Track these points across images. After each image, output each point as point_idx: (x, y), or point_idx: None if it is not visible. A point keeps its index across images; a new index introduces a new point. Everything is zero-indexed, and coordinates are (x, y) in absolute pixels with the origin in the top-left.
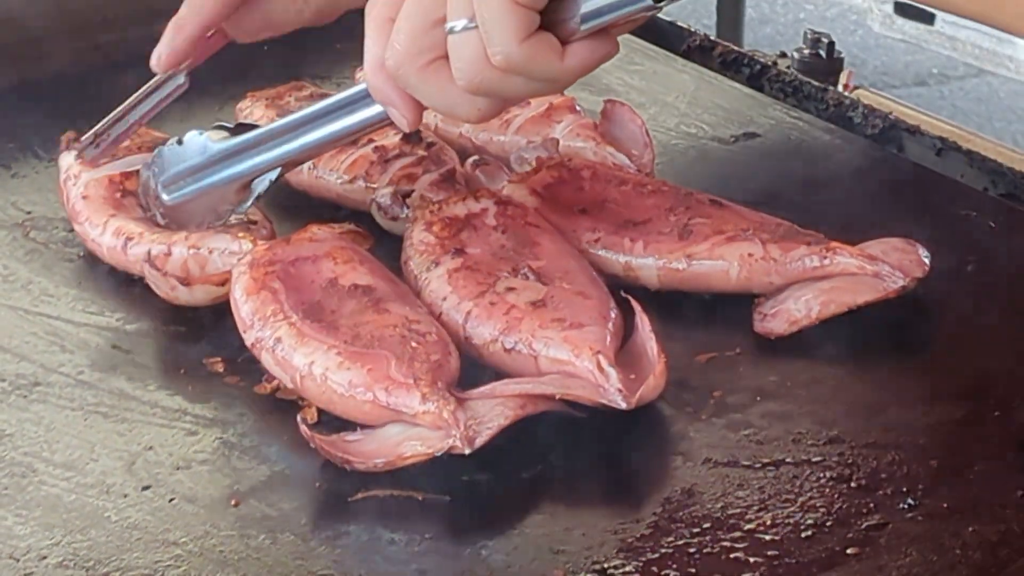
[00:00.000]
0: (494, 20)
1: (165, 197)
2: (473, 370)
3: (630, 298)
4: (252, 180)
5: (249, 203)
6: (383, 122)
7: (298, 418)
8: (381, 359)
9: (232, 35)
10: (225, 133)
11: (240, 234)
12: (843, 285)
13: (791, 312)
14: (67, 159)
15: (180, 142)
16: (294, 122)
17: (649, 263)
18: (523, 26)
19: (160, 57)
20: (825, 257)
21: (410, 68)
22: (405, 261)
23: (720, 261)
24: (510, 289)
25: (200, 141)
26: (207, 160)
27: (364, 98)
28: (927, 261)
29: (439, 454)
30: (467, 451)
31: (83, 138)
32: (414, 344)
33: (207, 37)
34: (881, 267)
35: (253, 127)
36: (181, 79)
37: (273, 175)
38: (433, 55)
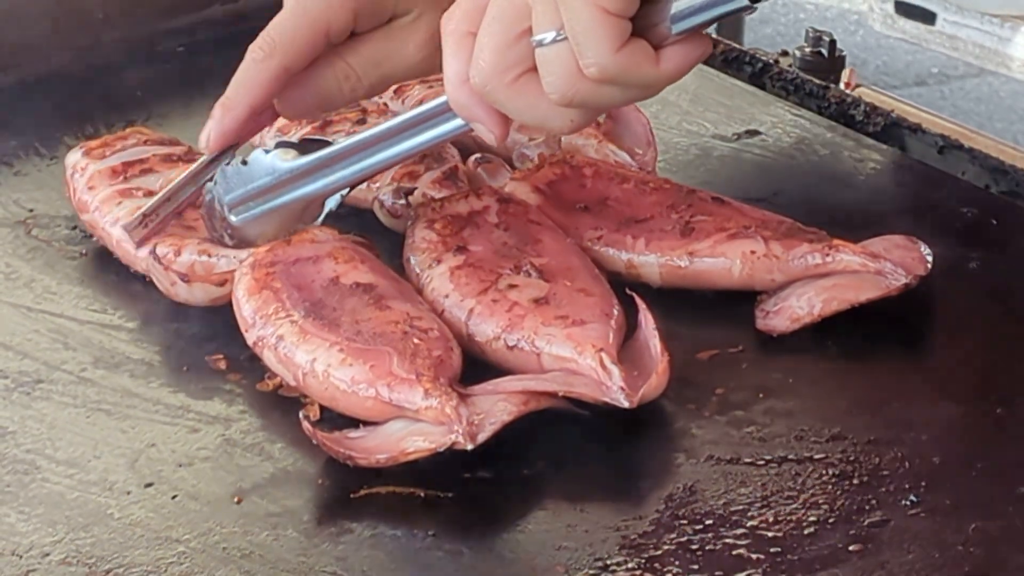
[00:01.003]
0: (586, 31)
1: (233, 218)
2: (476, 367)
3: (635, 295)
4: (325, 198)
5: (320, 219)
6: (463, 135)
7: (300, 415)
8: (383, 355)
9: (282, 113)
10: (292, 151)
11: None
12: (845, 282)
13: (793, 309)
14: (72, 157)
15: (244, 162)
16: (370, 138)
17: (651, 260)
18: (616, 35)
19: (208, 139)
20: (827, 254)
21: (498, 84)
22: (407, 259)
23: (722, 259)
24: (512, 286)
25: (267, 161)
26: (276, 180)
27: (444, 112)
28: (929, 258)
29: (441, 449)
30: (469, 447)
31: (131, 219)
32: (416, 340)
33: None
34: (883, 265)
35: (321, 143)
36: (229, 156)
37: (346, 191)
38: (520, 69)
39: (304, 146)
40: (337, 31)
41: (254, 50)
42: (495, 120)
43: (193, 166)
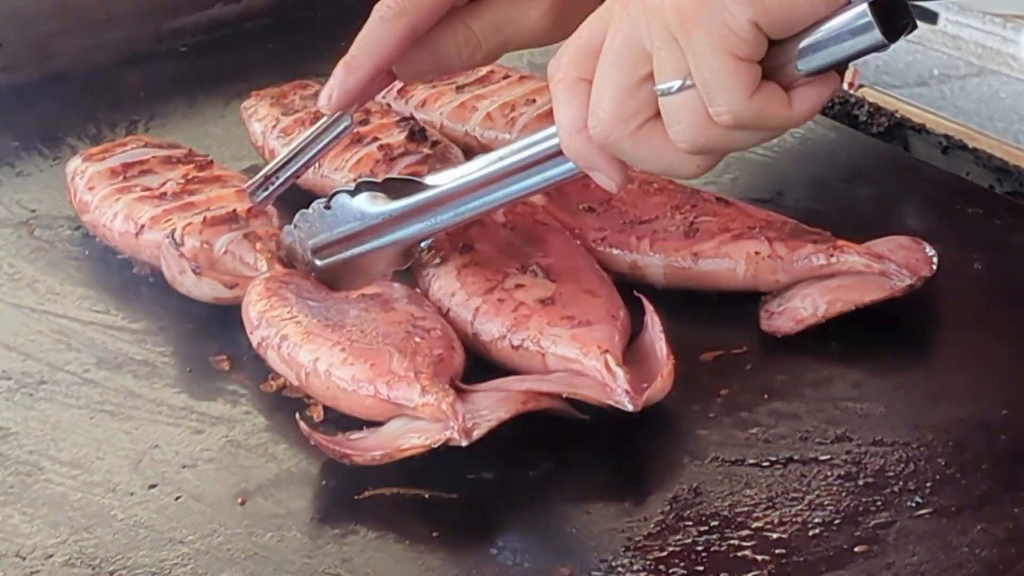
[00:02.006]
0: (717, 79)
1: (317, 263)
2: (482, 367)
3: (642, 296)
4: (417, 243)
5: (410, 262)
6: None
7: (296, 416)
8: (384, 354)
9: (399, 76)
10: (381, 195)
11: (258, 246)
12: (850, 283)
13: (797, 310)
14: (72, 163)
15: (328, 207)
16: (471, 183)
17: (655, 261)
18: (748, 82)
19: (331, 98)
20: (832, 255)
21: (621, 134)
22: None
23: (726, 259)
24: (519, 286)
25: (354, 206)
26: (364, 226)
27: (553, 157)
28: (934, 259)
29: (436, 446)
30: (464, 443)
31: (251, 181)
32: (418, 339)
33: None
34: (888, 266)
35: (410, 184)
36: (347, 120)
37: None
38: (643, 117)
39: (391, 187)
40: None
41: (381, 8)
42: (615, 168)
43: (312, 128)
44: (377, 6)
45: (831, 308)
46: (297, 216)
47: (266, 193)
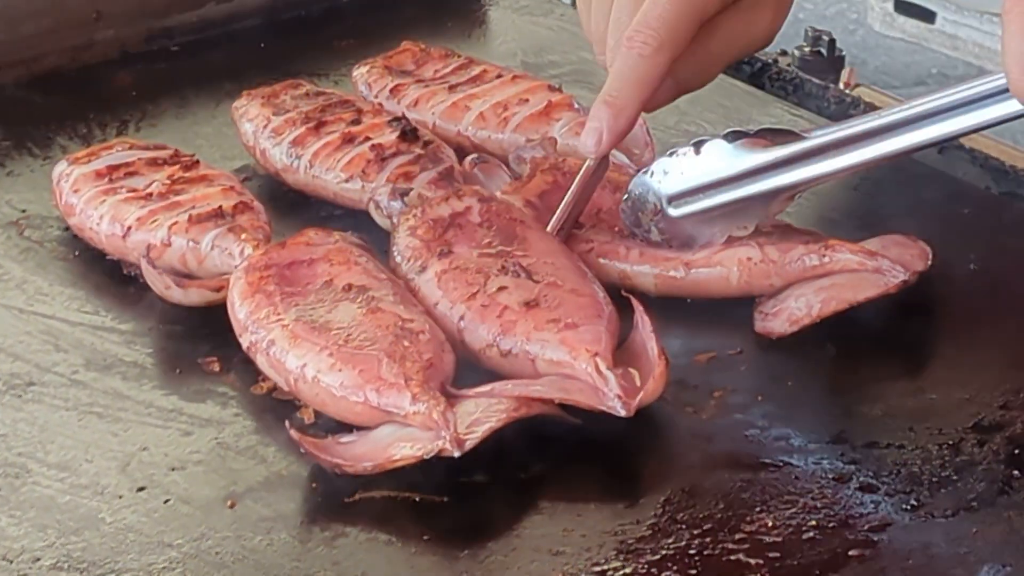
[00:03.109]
0: None
1: (672, 212)
2: (472, 370)
3: (631, 297)
4: (796, 192)
5: (775, 215)
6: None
7: (286, 422)
8: (372, 360)
9: (645, 106)
10: (761, 140)
11: (243, 236)
12: (843, 282)
13: (792, 311)
14: (59, 167)
15: (698, 152)
16: (874, 128)
17: (646, 271)
18: None
19: (599, 142)
20: (824, 255)
21: None
22: (394, 268)
23: (718, 267)
24: (501, 288)
25: (730, 151)
26: (735, 173)
27: (992, 96)
28: (928, 253)
29: (428, 457)
30: (457, 454)
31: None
32: (406, 343)
33: None
34: (881, 262)
35: (788, 133)
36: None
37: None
38: None
39: (766, 135)
40: (707, 17)
41: (638, 45)
42: None
43: (580, 172)
44: (629, 41)
45: (825, 307)
46: (655, 163)
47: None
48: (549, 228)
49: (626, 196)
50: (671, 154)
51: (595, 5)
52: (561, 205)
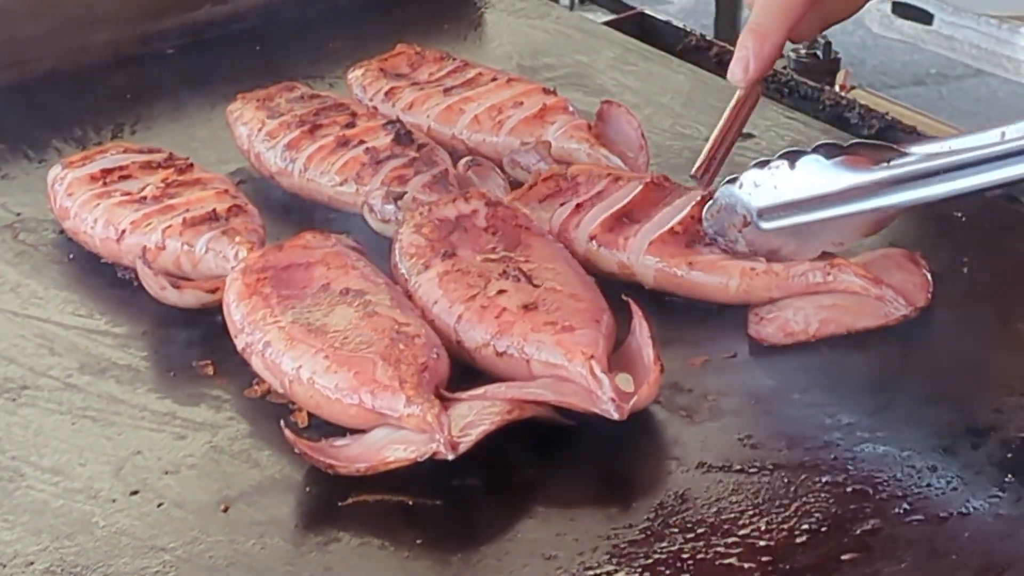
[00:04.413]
0: None
1: (764, 225)
2: (466, 374)
3: (631, 301)
4: (891, 215)
5: (872, 234)
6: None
7: (281, 422)
8: (367, 362)
9: (790, 37)
10: (859, 156)
11: (237, 239)
12: (844, 304)
13: (789, 323)
14: (53, 171)
15: (792, 166)
16: (999, 152)
17: (649, 263)
18: None
19: (747, 69)
20: (829, 274)
21: None
22: (395, 264)
23: (720, 273)
24: (501, 292)
25: (822, 166)
26: (837, 190)
27: None
28: (930, 285)
29: (422, 459)
30: (450, 456)
31: (697, 165)
32: (402, 346)
33: None
34: (885, 291)
35: (884, 149)
36: (759, 87)
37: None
38: None
39: (860, 150)
40: None
41: None
42: None
43: (730, 105)
44: None
45: (823, 328)
46: (744, 175)
47: (708, 175)
48: (696, 166)
49: (711, 204)
50: (762, 166)
51: None
52: (709, 140)
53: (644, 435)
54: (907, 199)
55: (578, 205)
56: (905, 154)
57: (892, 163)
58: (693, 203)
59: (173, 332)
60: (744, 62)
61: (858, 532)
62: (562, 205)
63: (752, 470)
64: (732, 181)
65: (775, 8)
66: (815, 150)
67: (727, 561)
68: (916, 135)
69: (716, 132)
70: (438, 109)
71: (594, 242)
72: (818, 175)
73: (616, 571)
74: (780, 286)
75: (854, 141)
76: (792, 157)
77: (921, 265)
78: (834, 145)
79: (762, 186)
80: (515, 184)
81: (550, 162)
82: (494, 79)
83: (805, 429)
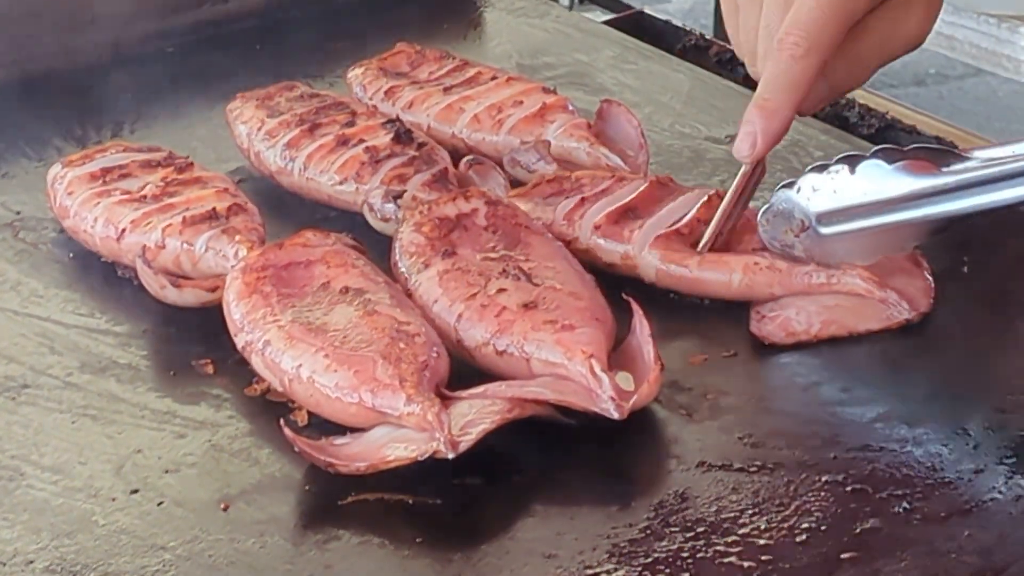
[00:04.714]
0: None
1: (822, 230)
2: (466, 373)
3: (631, 300)
4: (952, 222)
5: (932, 238)
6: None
7: (281, 421)
8: (367, 361)
9: (799, 110)
10: (922, 161)
11: (237, 237)
12: (847, 305)
13: (791, 322)
14: (53, 170)
15: (853, 171)
16: None
17: (650, 259)
18: None
19: (754, 146)
20: (832, 275)
21: None
22: (395, 262)
23: (723, 268)
24: (501, 290)
25: (884, 171)
26: (900, 195)
27: None
28: (932, 289)
29: (422, 458)
30: (451, 455)
31: (702, 244)
32: (402, 345)
33: None
34: (888, 295)
35: (947, 154)
36: (764, 160)
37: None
38: None
39: (927, 155)
40: (856, 17)
41: (788, 47)
42: None
43: (736, 179)
44: (779, 44)
45: (825, 329)
46: (801, 179)
47: (708, 246)
48: (703, 241)
49: (766, 208)
50: (821, 170)
51: (743, 17)
52: (717, 214)
53: (644, 434)
54: (971, 205)
55: (583, 199)
56: (967, 158)
57: (954, 167)
58: (700, 203)
59: (173, 331)
60: (751, 138)
61: (858, 531)
62: (566, 199)
63: (752, 469)
64: (789, 185)
65: (783, 84)
66: (875, 154)
67: (727, 560)
68: (916, 134)
69: (723, 206)
70: (438, 108)
71: (598, 232)
72: (879, 180)
73: (616, 570)
74: (783, 283)
75: (915, 145)
76: (852, 161)
77: (923, 267)
78: (894, 149)
79: (821, 190)
80: (515, 183)
81: (550, 161)
82: (494, 78)
83: (805, 428)
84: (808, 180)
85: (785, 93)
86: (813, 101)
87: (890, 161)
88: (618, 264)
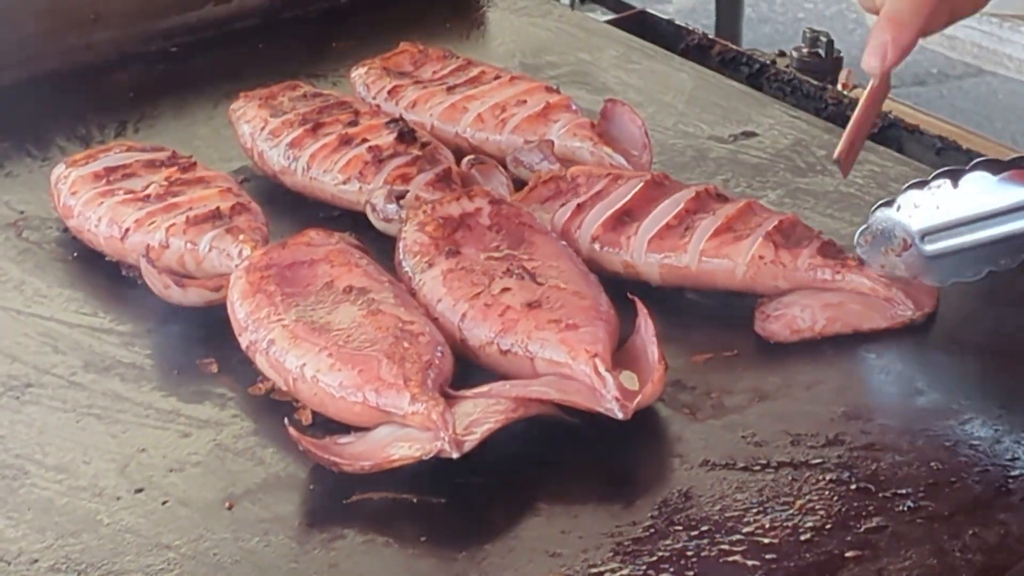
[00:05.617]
0: None
1: (926, 248)
2: (471, 372)
3: (636, 299)
4: None
5: None
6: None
7: (285, 421)
8: (372, 360)
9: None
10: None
11: (240, 237)
12: (852, 304)
13: (795, 319)
14: (57, 170)
15: (955, 185)
16: None
17: (651, 260)
18: None
19: (884, 58)
20: (839, 272)
21: None
22: (399, 262)
23: (726, 260)
24: (505, 290)
25: (989, 183)
26: (1008, 207)
27: None
28: (936, 290)
29: (427, 458)
30: (455, 455)
31: (839, 148)
32: (406, 344)
33: None
34: (894, 294)
35: None
36: (889, 77)
37: None
38: None
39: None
40: None
41: None
42: None
43: (865, 94)
44: None
45: (830, 326)
46: (901, 196)
47: (850, 160)
48: (836, 154)
49: (864, 228)
50: (921, 186)
51: None
52: (846, 130)
53: (648, 433)
54: None
55: (579, 206)
56: None
57: None
58: (689, 197)
59: (177, 330)
60: (882, 50)
61: (862, 530)
62: (562, 206)
63: (756, 468)
64: (888, 204)
65: None
66: (975, 167)
67: (731, 558)
68: (918, 133)
69: (855, 117)
70: (441, 107)
71: (597, 243)
72: (985, 192)
73: (620, 568)
74: (787, 276)
75: (1016, 156)
76: (954, 175)
77: None
78: (995, 161)
79: (922, 207)
80: (518, 182)
81: (553, 160)
82: (497, 77)
83: (809, 427)
84: (908, 197)
85: (914, 6)
86: (935, 23)
87: (994, 172)
88: (622, 272)
